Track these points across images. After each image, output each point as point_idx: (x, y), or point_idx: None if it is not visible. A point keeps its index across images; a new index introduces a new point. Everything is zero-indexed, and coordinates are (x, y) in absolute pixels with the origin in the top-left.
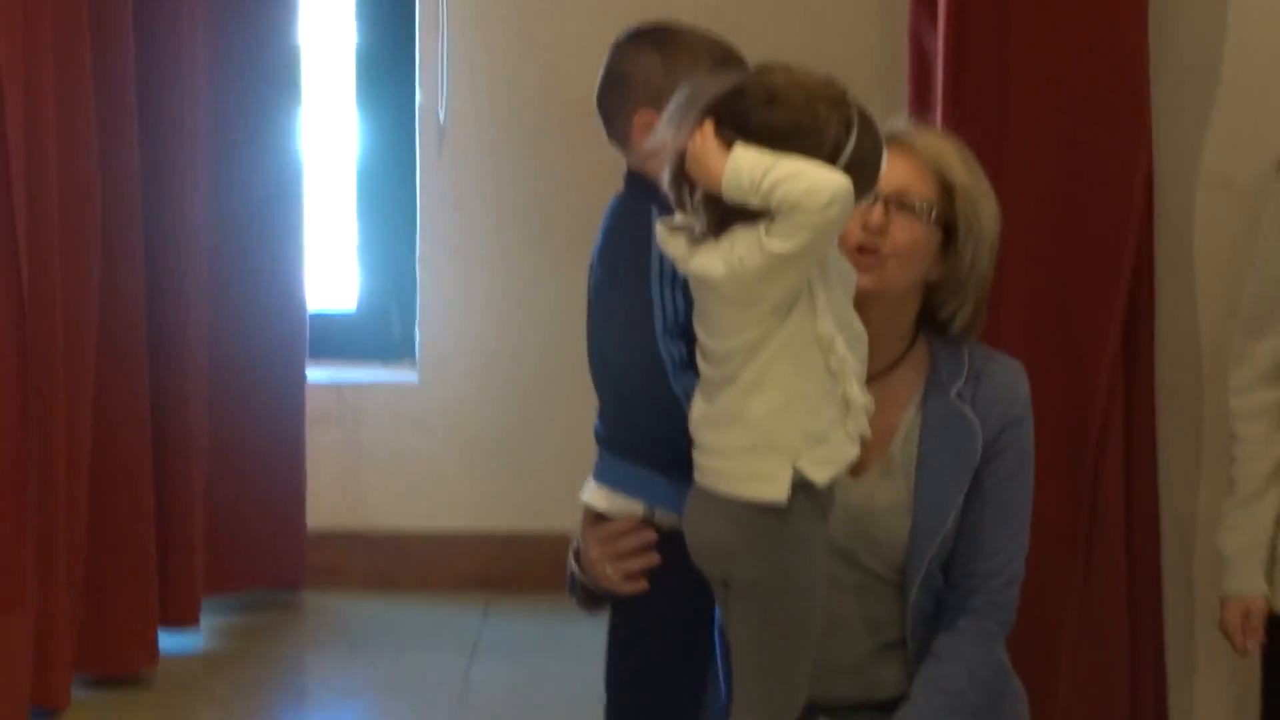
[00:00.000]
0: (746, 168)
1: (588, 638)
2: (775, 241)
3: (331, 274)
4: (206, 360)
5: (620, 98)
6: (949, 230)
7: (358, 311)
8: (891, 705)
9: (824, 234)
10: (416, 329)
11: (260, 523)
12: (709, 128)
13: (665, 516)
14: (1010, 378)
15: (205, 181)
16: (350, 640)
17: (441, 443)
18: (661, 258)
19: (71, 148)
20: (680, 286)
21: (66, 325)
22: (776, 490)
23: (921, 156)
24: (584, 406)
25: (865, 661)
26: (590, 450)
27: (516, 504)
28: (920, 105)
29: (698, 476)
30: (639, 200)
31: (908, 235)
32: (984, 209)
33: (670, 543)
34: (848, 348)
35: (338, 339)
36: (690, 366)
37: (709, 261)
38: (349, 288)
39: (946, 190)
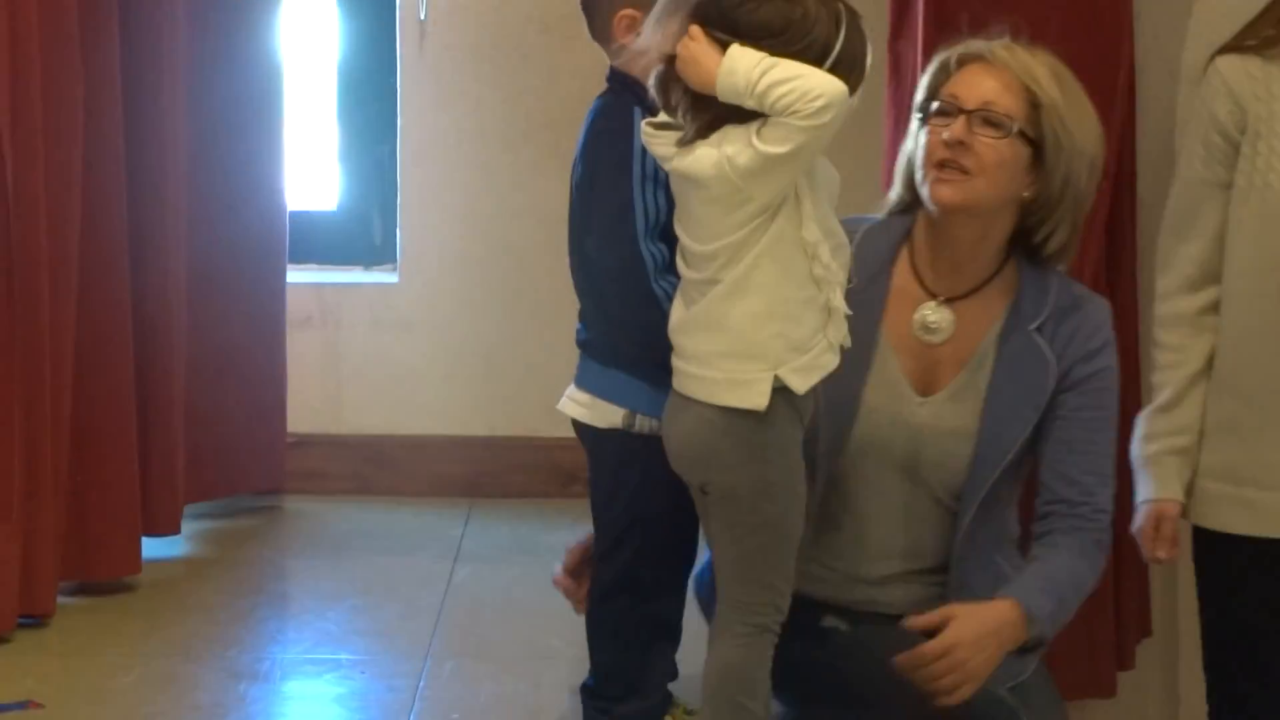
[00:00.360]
0: (743, 69)
1: (569, 541)
2: (768, 144)
3: (312, 175)
4: (186, 263)
5: None
6: (1038, 147)
7: (338, 212)
8: (896, 619)
9: (817, 138)
10: (397, 230)
11: (241, 428)
12: (699, 29)
13: (645, 421)
14: (1093, 315)
15: (185, 81)
16: (332, 545)
17: (422, 346)
18: (644, 157)
19: (53, 49)
20: (662, 187)
21: (50, 231)
22: (756, 398)
23: (1009, 72)
24: (567, 310)
25: (888, 581)
26: (572, 355)
27: (498, 408)
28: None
29: (676, 383)
30: (622, 99)
31: (992, 151)
32: (1077, 126)
33: (650, 448)
34: (831, 255)
35: (318, 241)
36: (672, 269)
37: (696, 160)
38: (330, 189)
39: (1034, 106)
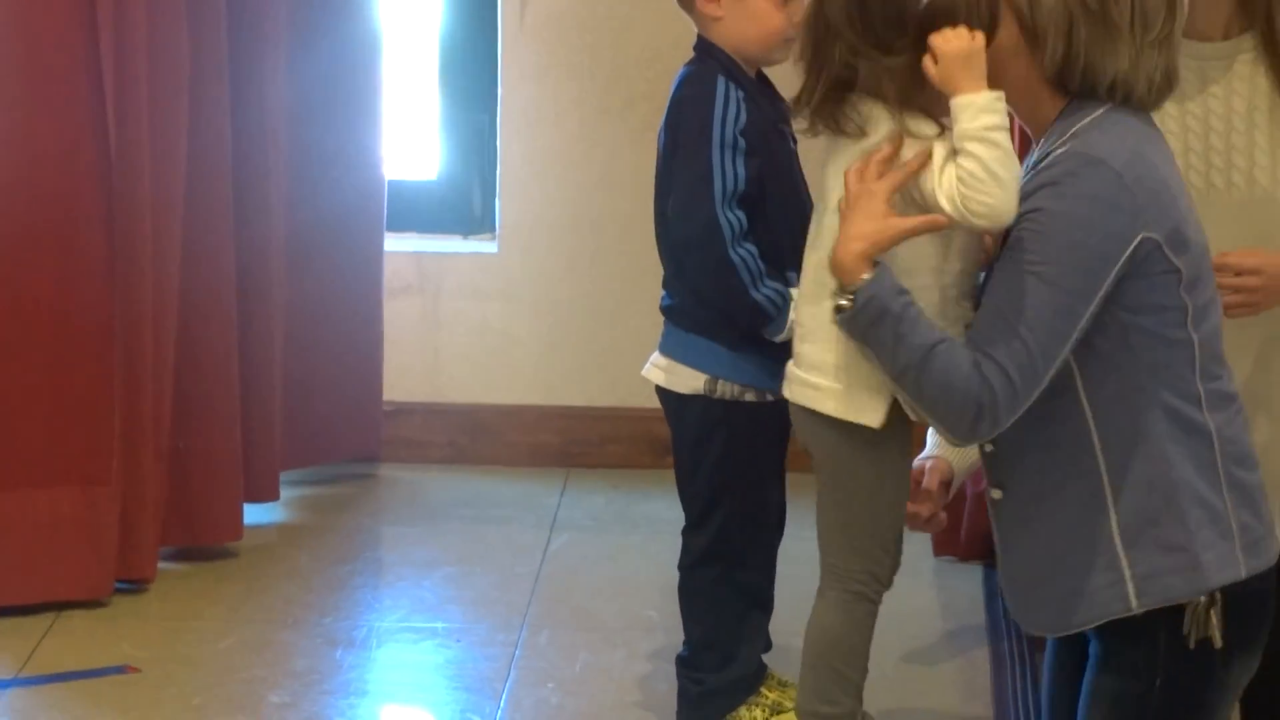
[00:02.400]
0: (984, 111)
1: (665, 511)
2: (943, 197)
3: (413, 144)
4: (285, 231)
5: None
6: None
7: (438, 182)
8: None
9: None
10: (497, 200)
11: (338, 396)
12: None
13: (727, 387)
14: (1063, 157)
15: (285, 50)
16: (428, 513)
17: (520, 316)
18: (724, 125)
19: (160, 20)
20: (741, 155)
21: (154, 199)
22: (874, 418)
23: None
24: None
25: None
26: None
27: (595, 378)
28: None
29: (794, 363)
30: (706, 67)
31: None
32: None
33: (732, 414)
34: (962, 295)
35: (418, 209)
36: (748, 236)
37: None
38: (430, 158)
39: None
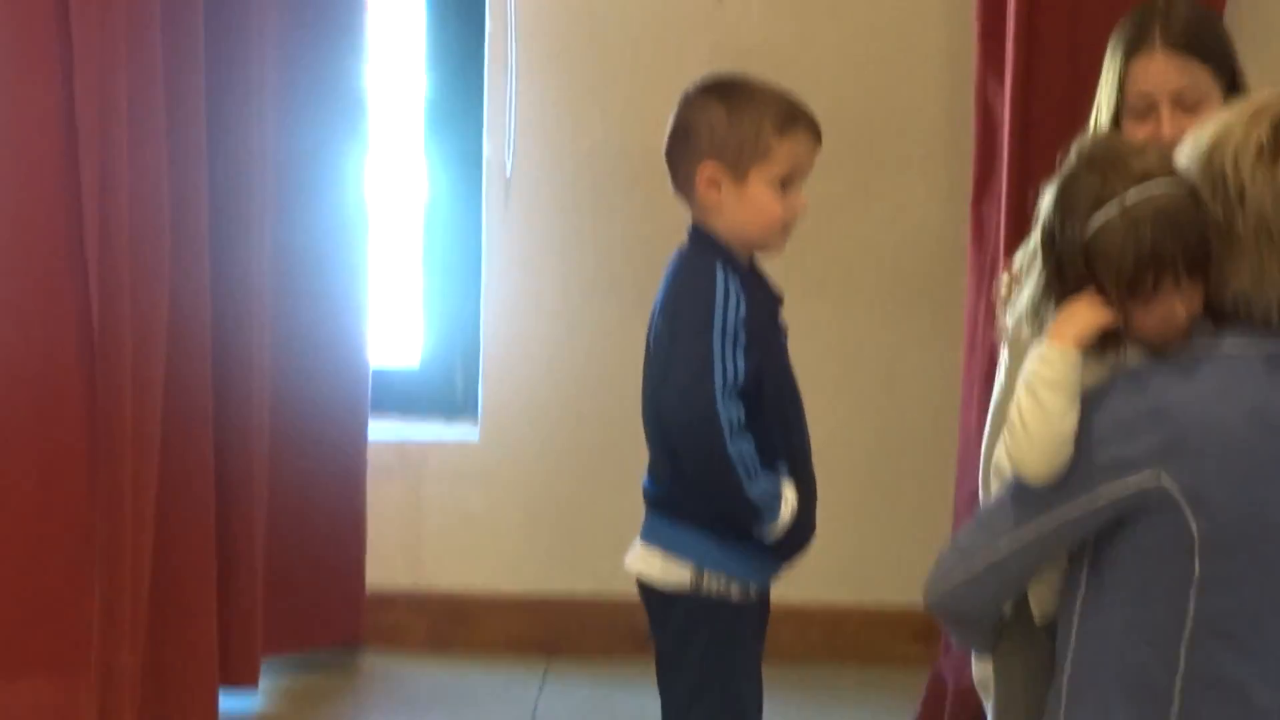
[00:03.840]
0: (1044, 361)
1: (648, 704)
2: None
3: (395, 327)
4: (269, 414)
5: (686, 149)
6: None
7: (421, 367)
8: None
9: None
10: (479, 385)
11: (320, 581)
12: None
13: (713, 580)
14: None
15: (270, 230)
16: (409, 702)
17: (502, 502)
18: (725, 314)
19: (143, 193)
20: (741, 348)
21: (133, 383)
22: None
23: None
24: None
25: None
26: None
27: (577, 566)
28: (985, 163)
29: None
30: (703, 255)
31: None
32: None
33: (717, 608)
34: None
35: (401, 394)
36: (746, 430)
37: None
38: (413, 342)
39: None
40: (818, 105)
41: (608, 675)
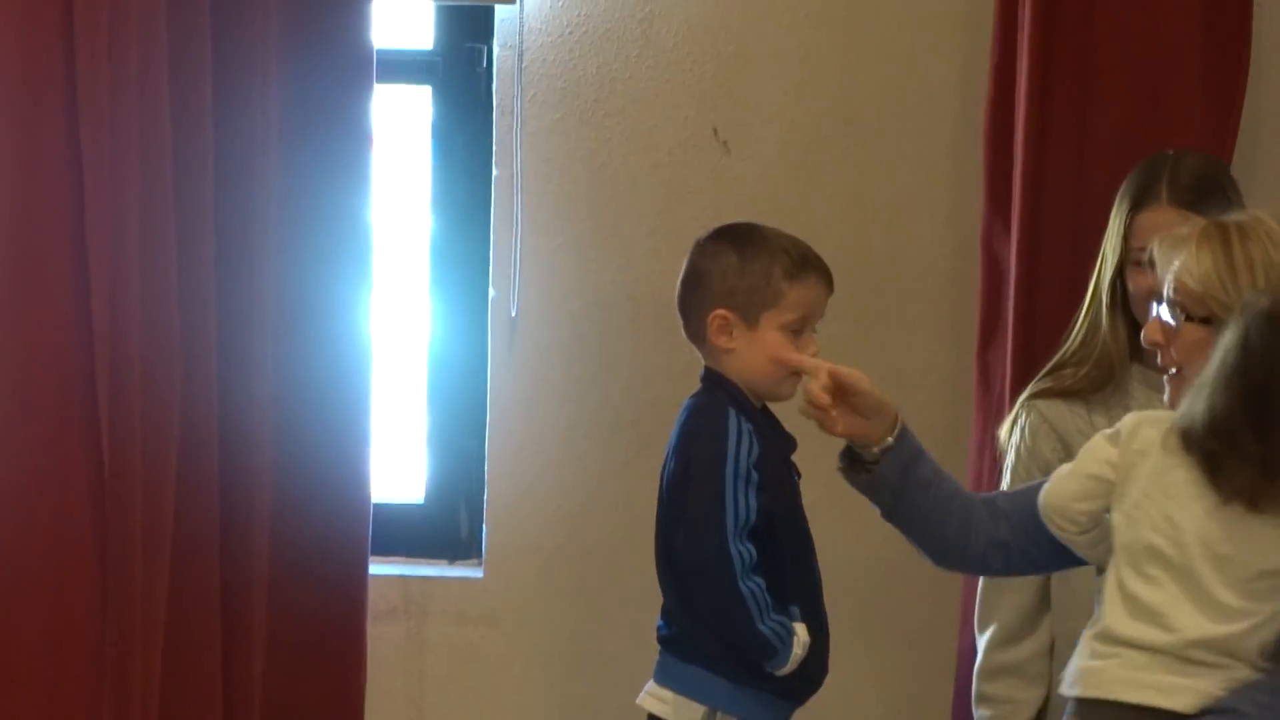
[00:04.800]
0: None
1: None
2: None
3: (399, 464)
4: (269, 552)
5: (698, 295)
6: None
7: (425, 504)
8: None
9: None
10: (484, 525)
11: None
12: None
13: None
14: None
15: (273, 363)
16: None
17: (506, 642)
18: (737, 454)
19: (155, 335)
20: (754, 488)
21: (144, 522)
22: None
23: (1175, 269)
24: (654, 608)
25: None
26: None
27: (585, 707)
28: (991, 310)
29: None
30: (715, 398)
31: (1179, 340)
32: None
33: None
34: None
35: (404, 533)
36: (758, 569)
37: None
38: (416, 480)
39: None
40: (823, 252)
41: None
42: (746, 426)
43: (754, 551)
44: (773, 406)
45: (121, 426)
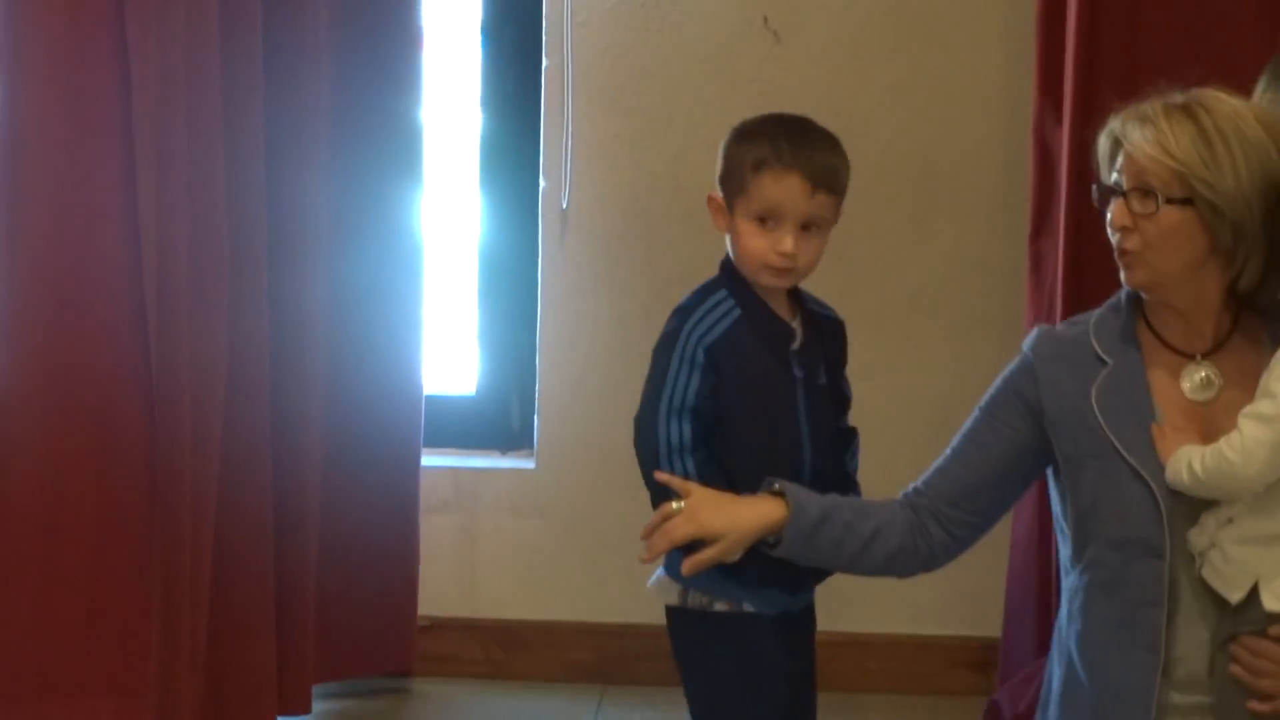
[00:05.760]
0: None
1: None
2: None
3: (452, 358)
4: (322, 444)
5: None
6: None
7: (477, 396)
8: None
9: None
10: (535, 416)
11: (373, 610)
12: None
13: (697, 598)
14: None
15: (327, 261)
16: None
17: (557, 531)
18: (690, 335)
19: (201, 223)
20: (698, 369)
21: (193, 408)
22: None
23: (1147, 145)
24: None
25: None
26: None
27: (632, 595)
28: (1043, 200)
29: None
30: (714, 280)
31: (1150, 226)
32: (1226, 175)
33: (708, 628)
34: None
35: (456, 425)
36: (694, 451)
37: None
38: (469, 373)
39: (1174, 170)
40: (875, 144)
41: (663, 702)
42: (724, 307)
43: (688, 432)
44: (818, 294)
45: (169, 326)
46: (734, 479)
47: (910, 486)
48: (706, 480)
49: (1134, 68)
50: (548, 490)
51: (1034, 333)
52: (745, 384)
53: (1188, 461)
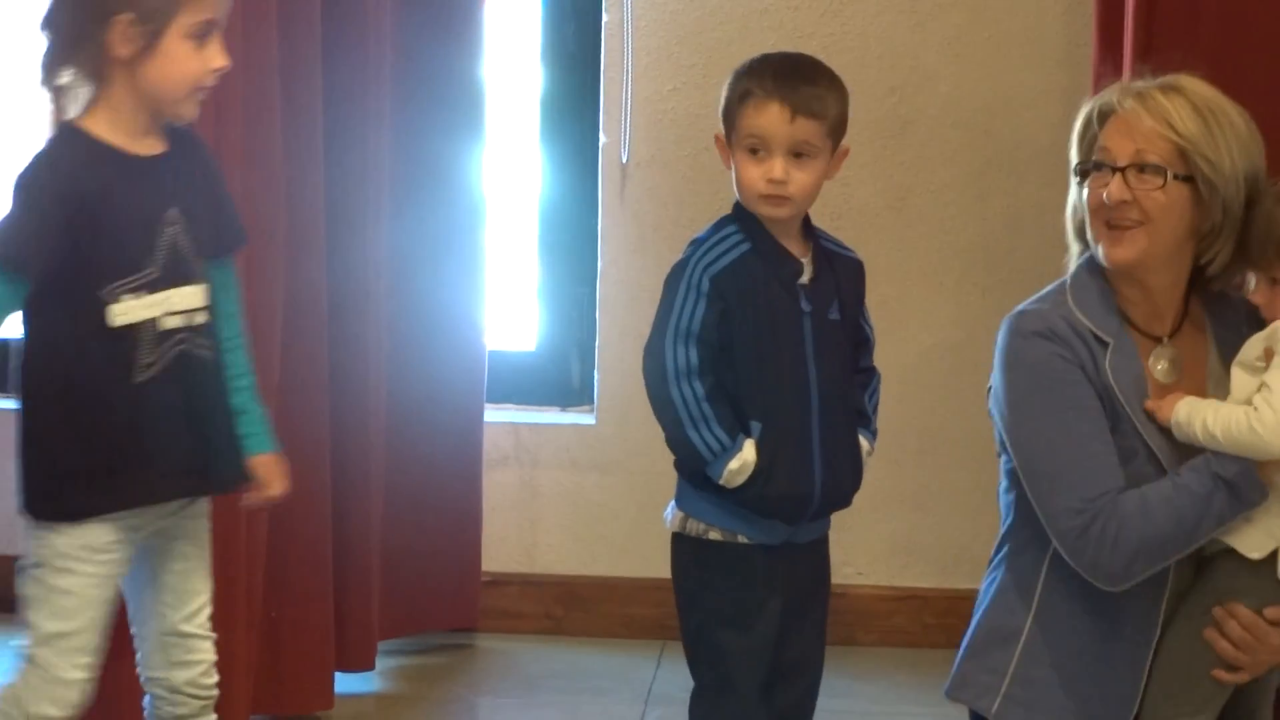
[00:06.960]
0: None
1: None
2: None
3: (512, 314)
4: (384, 400)
5: None
6: (1194, 184)
7: (537, 352)
8: None
9: None
10: (595, 372)
11: (436, 566)
12: None
13: (694, 525)
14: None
15: (388, 218)
16: (524, 685)
17: (617, 487)
18: (697, 263)
19: (259, 182)
20: (704, 296)
21: (253, 358)
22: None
23: (1145, 120)
24: None
25: None
26: None
27: None
28: (1107, 57)
29: None
30: (725, 219)
31: (1155, 200)
32: (1224, 154)
33: (701, 552)
34: None
35: (517, 380)
36: (702, 378)
37: None
38: (529, 329)
39: (1178, 148)
40: (934, 98)
41: None
42: (733, 239)
43: (695, 358)
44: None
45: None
46: (740, 407)
47: (1104, 489)
48: (713, 405)
49: (1194, 19)
50: (607, 446)
51: (1025, 319)
52: (751, 313)
53: (1203, 421)
